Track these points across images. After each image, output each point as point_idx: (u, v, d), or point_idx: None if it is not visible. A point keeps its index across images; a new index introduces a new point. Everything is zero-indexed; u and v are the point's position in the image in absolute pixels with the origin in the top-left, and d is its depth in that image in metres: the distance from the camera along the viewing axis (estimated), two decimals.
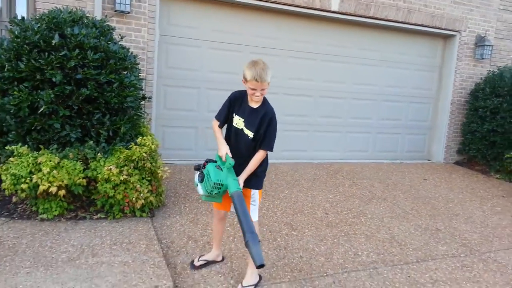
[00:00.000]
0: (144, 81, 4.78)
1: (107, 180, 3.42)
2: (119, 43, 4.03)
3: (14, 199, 3.47)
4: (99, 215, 3.53)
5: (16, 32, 3.47)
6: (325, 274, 2.99)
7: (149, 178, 3.71)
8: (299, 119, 6.37)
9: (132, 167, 3.56)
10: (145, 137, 3.80)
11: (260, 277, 2.79)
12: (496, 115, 6.40)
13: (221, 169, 2.47)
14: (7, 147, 3.39)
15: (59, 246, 2.93)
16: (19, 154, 3.32)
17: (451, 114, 7.13)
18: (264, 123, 2.54)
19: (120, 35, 4.22)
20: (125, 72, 3.87)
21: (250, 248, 2.14)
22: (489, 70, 7.01)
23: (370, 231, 3.85)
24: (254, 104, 2.60)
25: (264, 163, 2.67)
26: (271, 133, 2.56)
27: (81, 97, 3.52)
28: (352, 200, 4.71)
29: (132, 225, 3.44)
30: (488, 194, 5.48)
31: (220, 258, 3.03)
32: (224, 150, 2.54)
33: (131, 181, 3.50)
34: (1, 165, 3.39)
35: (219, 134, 2.65)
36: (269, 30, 5.99)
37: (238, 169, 2.53)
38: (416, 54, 7.03)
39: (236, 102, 2.65)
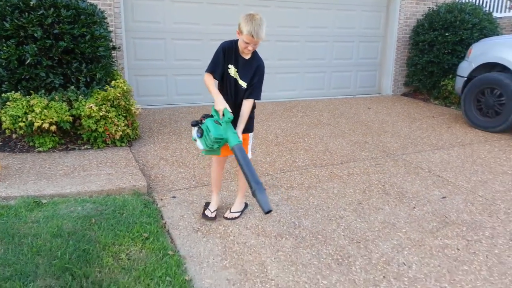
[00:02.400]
0: (113, 34, 5.40)
1: (89, 117, 4.18)
2: (88, 0, 4.64)
3: (14, 136, 4.24)
4: (85, 146, 4.33)
5: None
6: (266, 175, 3.89)
7: (124, 114, 4.48)
8: None
9: (109, 105, 4.32)
10: (117, 81, 4.53)
11: (246, 205, 3.13)
12: (433, 48, 7.22)
13: (220, 124, 2.51)
14: (3, 95, 4.11)
15: (56, 167, 3.75)
16: (14, 99, 4.04)
17: (397, 50, 7.92)
18: (257, 75, 2.64)
19: None
20: (95, 26, 4.52)
21: (257, 196, 2.22)
22: (429, 7, 7.73)
23: (309, 146, 4.74)
24: (245, 55, 2.65)
25: (254, 108, 2.81)
26: (261, 84, 2.69)
27: (60, 49, 4.19)
28: (301, 126, 5.58)
29: (114, 151, 4.25)
30: (421, 116, 6.41)
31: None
32: (222, 105, 2.53)
33: (109, 117, 4.27)
34: (0, 109, 4.12)
35: (214, 88, 2.63)
36: None
37: (235, 118, 2.62)
38: None
39: (229, 53, 2.65)
